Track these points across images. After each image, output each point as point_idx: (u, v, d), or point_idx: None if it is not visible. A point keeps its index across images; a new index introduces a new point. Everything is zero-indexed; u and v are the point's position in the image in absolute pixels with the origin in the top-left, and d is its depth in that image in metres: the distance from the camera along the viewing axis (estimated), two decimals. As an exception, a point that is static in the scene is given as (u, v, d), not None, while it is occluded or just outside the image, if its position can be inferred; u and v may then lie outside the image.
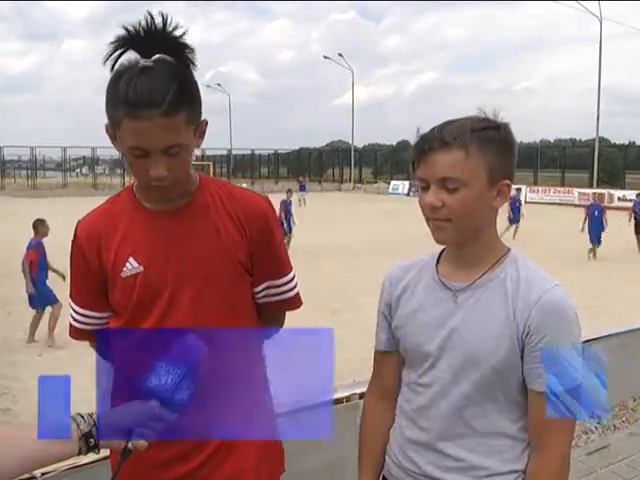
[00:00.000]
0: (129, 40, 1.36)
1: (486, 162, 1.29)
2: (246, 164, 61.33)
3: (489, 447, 1.35)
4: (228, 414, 1.51)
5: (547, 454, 1.30)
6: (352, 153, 52.25)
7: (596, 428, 3.98)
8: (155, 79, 1.33)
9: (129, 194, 1.56)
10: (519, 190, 23.33)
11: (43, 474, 1.98)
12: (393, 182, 41.89)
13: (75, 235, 1.55)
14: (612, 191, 30.40)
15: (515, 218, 17.85)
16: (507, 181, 1.33)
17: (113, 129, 1.38)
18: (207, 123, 1.49)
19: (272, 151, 62.24)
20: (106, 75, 1.39)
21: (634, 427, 4.04)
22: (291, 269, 1.66)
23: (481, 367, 1.32)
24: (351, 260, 13.29)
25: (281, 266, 1.63)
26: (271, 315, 1.66)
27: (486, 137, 1.29)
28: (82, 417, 1.14)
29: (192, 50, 1.39)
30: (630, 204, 21.62)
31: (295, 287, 1.67)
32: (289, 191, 16.70)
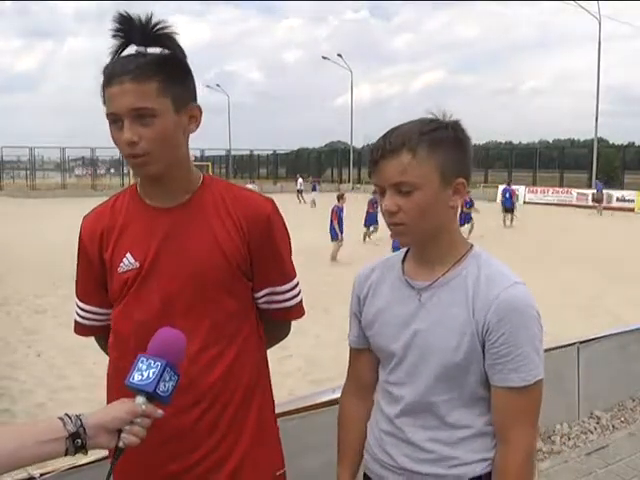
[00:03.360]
0: (127, 32, 1.43)
1: (437, 163, 1.30)
2: (245, 164, 61.34)
3: (458, 439, 1.38)
4: (230, 416, 1.51)
5: (511, 448, 1.33)
6: (351, 153, 52.26)
7: (595, 428, 3.97)
8: (135, 56, 1.43)
9: (132, 191, 1.57)
10: (509, 182, 24.17)
11: (42, 474, 1.97)
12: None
13: (80, 231, 1.58)
14: (611, 191, 30.40)
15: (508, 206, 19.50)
16: (462, 179, 1.34)
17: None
18: (201, 110, 1.50)
19: (271, 151, 62.32)
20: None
21: (633, 427, 4.03)
22: (294, 277, 1.62)
23: (444, 365, 1.34)
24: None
25: (283, 273, 1.59)
26: (273, 322, 1.64)
27: (436, 138, 1.30)
28: (69, 417, 1.14)
29: (173, 38, 1.45)
30: (630, 204, 21.80)
31: (297, 296, 1.63)
32: (342, 196, 14.32)
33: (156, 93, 1.39)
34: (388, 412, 1.46)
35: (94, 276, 1.57)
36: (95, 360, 6.11)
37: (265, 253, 1.53)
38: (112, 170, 55.10)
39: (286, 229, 1.62)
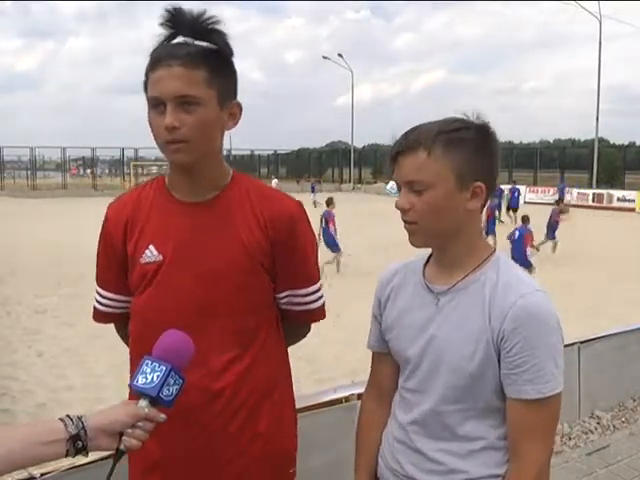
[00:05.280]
0: (176, 22, 1.43)
1: (453, 163, 1.27)
2: (246, 164, 61.36)
3: (469, 451, 1.34)
4: (251, 413, 1.52)
5: (522, 465, 1.28)
6: (352, 153, 52.20)
7: (596, 428, 3.97)
8: (185, 44, 1.43)
9: (160, 182, 1.57)
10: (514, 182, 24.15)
11: (42, 474, 1.97)
12: (391, 182, 41.80)
13: (105, 219, 1.59)
14: (612, 191, 30.38)
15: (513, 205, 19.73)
16: (480, 183, 1.30)
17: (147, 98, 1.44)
18: (241, 108, 1.51)
19: (272, 151, 62.34)
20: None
21: (634, 427, 4.03)
22: (317, 280, 1.61)
23: (458, 372, 1.31)
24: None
25: (306, 276, 1.58)
26: (293, 322, 1.64)
27: (454, 138, 1.28)
28: (71, 419, 1.13)
29: (222, 34, 1.45)
30: (631, 204, 21.74)
31: (319, 299, 1.62)
32: (331, 201, 13.09)
33: (203, 82, 1.39)
34: (401, 419, 1.43)
35: (115, 263, 1.57)
36: (96, 359, 6.10)
37: (288, 254, 1.52)
38: (106, 170, 55.18)
39: (312, 231, 1.61)
